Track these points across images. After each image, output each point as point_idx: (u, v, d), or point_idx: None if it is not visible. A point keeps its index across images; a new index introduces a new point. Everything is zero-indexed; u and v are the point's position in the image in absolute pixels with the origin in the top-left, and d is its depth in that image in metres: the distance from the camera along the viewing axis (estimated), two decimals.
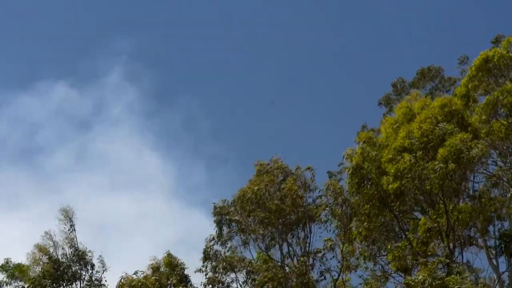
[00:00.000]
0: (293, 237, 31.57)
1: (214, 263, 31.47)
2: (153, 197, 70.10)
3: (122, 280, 31.08)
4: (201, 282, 31.91)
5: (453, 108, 30.62)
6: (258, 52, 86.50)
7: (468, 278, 26.78)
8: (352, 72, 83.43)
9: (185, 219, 66.80)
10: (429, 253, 29.24)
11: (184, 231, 62.13)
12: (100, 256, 36.10)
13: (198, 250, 32.20)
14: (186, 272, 33.09)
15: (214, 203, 32.30)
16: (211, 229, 32.09)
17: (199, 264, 32.20)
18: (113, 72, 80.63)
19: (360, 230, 30.41)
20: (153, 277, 30.92)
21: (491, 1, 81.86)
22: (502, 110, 33.13)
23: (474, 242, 33.33)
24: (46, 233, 35.75)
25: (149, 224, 62.65)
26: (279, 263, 31.18)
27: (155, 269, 31.97)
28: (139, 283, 30.65)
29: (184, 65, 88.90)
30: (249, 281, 31.54)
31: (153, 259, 32.44)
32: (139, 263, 34.78)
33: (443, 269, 27.58)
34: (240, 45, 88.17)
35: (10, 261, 36.03)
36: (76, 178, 70.77)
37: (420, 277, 26.42)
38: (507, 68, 34.03)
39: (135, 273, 31.34)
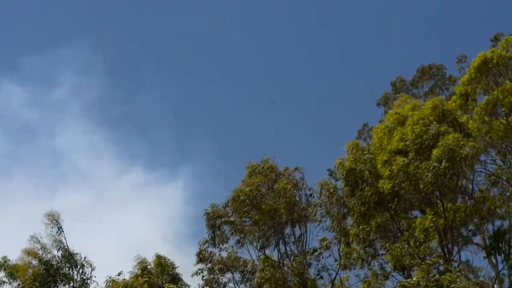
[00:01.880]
0: (285, 236, 31.61)
1: (209, 264, 31.50)
2: (117, 193, 69.62)
3: (108, 284, 30.61)
4: (198, 284, 31.98)
5: (445, 108, 30.79)
6: (257, 52, 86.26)
7: (463, 277, 26.86)
8: (352, 71, 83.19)
9: (156, 214, 66.57)
10: (425, 253, 29.22)
11: (157, 226, 61.85)
12: (85, 257, 34.62)
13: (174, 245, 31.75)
14: (177, 271, 32.60)
15: (205, 209, 32.29)
16: (188, 225, 32.10)
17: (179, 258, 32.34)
18: (68, 69, 79.35)
19: (357, 232, 30.52)
20: (143, 278, 30.28)
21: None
22: (502, 109, 33.19)
23: (474, 241, 33.53)
24: (32, 237, 34.97)
25: (115, 220, 62.11)
26: (277, 263, 31.24)
27: (143, 269, 31.22)
28: (127, 286, 30.05)
29: (178, 63, 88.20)
30: (246, 281, 31.64)
31: (138, 258, 31.68)
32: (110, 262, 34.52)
33: (439, 269, 27.67)
34: (239, 45, 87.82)
35: (8, 260, 35.90)
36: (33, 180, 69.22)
37: (415, 278, 26.63)
38: (505, 68, 34.09)
39: (119, 274, 30.97)
